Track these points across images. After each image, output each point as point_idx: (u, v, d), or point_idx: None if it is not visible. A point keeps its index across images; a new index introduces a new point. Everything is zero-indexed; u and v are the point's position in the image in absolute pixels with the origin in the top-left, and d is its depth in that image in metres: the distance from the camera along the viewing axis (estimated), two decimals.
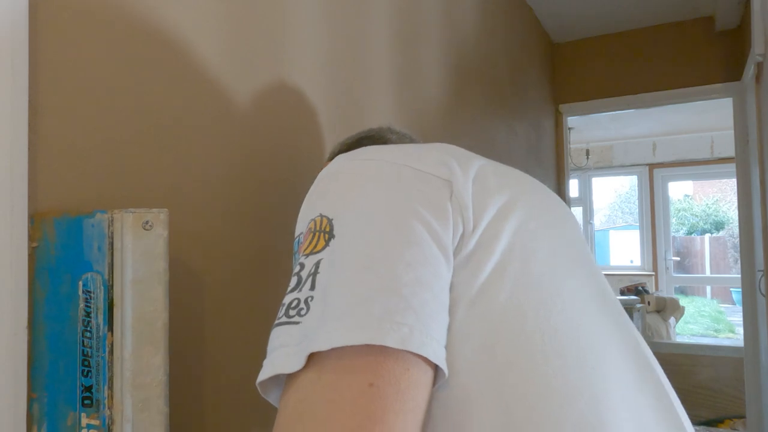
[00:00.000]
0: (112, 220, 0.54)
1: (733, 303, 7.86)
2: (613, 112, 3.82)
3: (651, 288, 5.97)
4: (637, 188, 6.61)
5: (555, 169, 3.43)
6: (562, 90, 3.44)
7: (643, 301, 4.86)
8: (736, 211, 3.05)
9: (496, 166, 0.53)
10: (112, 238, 0.54)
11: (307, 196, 0.49)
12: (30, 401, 0.55)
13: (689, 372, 3.74)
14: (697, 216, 9.60)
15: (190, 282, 0.79)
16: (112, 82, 0.70)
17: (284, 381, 0.39)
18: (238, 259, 0.89)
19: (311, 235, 0.44)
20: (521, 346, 0.41)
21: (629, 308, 4.33)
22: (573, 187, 6.61)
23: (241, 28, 0.93)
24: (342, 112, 1.22)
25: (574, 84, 3.41)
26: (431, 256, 0.41)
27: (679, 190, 9.77)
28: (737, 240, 3.33)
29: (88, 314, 0.54)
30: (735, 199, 3.11)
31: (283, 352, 0.38)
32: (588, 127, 5.52)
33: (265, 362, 0.39)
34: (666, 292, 6.16)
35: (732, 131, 3.08)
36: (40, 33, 0.62)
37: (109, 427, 0.52)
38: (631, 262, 6.91)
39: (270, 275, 0.95)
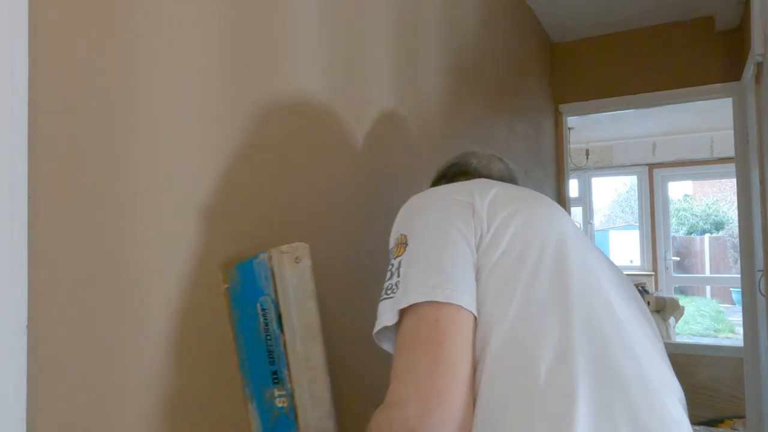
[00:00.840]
0: (271, 257, 0.80)
1: (733, 303, 7.86)
2: (613, 112, 3.82)
3: (651, 288, 5.97)
4: (636, 188, 6.60)
5: (555, 169, 3.43)
6: (561, 90, 3.44)
7: (643, 301, 4.85)
8: (736, 211, 3.05)
9: (509, 190, 0.82)
10: (273, 269, 0.79)
11: (396, 220, 0.82)
12: (243, 386, 0.84)
13: (689, 372, 3.74)
14: (697, 216, 9.60)
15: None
16: (111, 82, 0.70)
17: (391, 332, 0.71)
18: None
19: (397, 246, 0.76)
20: (517, 291, 0.70)
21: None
22: (573, 187, 6.60)
23: (241, 28, 0.93)
24: (342, 112, 1.22)
25: (573, 84, 3.41)
26: (462, 249, 0.73)
27: (679, 190, 9.77)
28: (737, 240, 3.33)
29: (266, 324, 0.80)
30: (735, 199, 3.11)
31: (385, 315, 0.69)
32: (588, 127, 5.52)
33: (376, 323, 0.71)
34: (666, 292, 6.16)
35: (732, 131, 3.08)
36: (40, 32, 0.62)
37: (292, 395, 0.78)
38: (631, 262, 6.91)
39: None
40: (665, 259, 6.33)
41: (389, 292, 0.71)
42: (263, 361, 0.80)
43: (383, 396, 0.65)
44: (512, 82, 2.61)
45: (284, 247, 0.78)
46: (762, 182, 2.37)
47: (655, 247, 6.34)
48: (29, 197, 0.58)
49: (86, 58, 0.67)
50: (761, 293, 2.53)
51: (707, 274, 8.48)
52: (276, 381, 0.79)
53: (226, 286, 0.83)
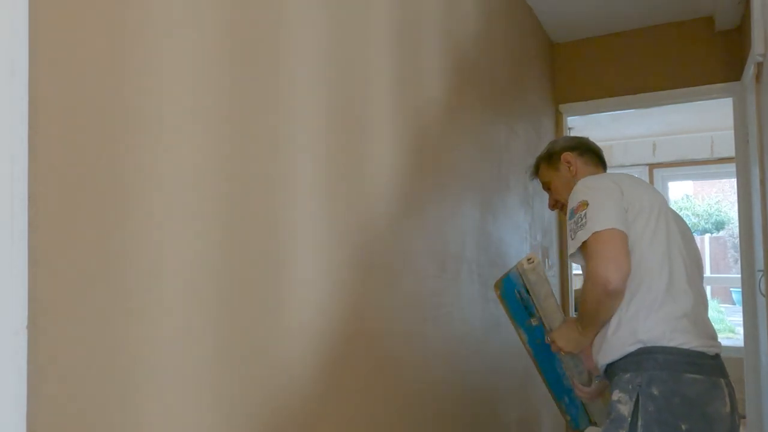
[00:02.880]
0: (517, 265, 1.53)
1: (733, 303, 7.85)
2: (613, 112, 3.82)
3: None
4: None
5: None
6: (562, 90, 3.44)
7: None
8: (736, 211, 3.04)
9: (630, 180, 1.49)
10: (519, 271, 1.53)
11: (575, 193, 1.45)
12: (519, 334, 1.65)
13: None
14: (697, 216, 9.59)
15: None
16: (111, 81, 0.70)
17: (579, 250, 1.38)
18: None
19: (579, 205, 1.39)
20: (646, 233, 1.40)
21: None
22: None
23: (241, 29, 0.93)
24: (341, 112, 1.22)
25: (574, 84, 3.40)
26: (621, 208, 1.38)
27: (679, 190, 9.75)
28: (737, 240, 3.33)
29: (522, 298, 1.57)
30: (735, 199, 3.11)
31: (583, 236, 1.33)
32: (588, 127, 5.52)
33: (571, 243, 1.39)
34: None
35: (732, 131, 3.08)
36: (40, 32, 0.62)
37: (539, 318, 1.57)
38: None
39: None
40: None
41: (580, 226, 1.34)
42: (523, 313, 1.59)
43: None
44: (512, 82, 2.61)
45: (523, 258, 1.52)
46: (762, 182, 2.37)
47: None
48: (29, 197, 0.58)
49: (86, 58, 0.67)
50: (761, 293, 2.53)
51: (707, 274, 8.46)
52: (530, 315, 1.58)
53: (499, 292, 1.62)
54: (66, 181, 0.64)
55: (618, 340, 1.33)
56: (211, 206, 0.86)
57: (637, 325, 1.31)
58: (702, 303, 1.40)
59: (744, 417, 3.05)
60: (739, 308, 3.47)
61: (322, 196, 1.14)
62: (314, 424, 1.08)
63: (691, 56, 3.11)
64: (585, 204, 1.37)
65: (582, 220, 1.34)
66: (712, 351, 1.32)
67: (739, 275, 3.02)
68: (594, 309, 1.34)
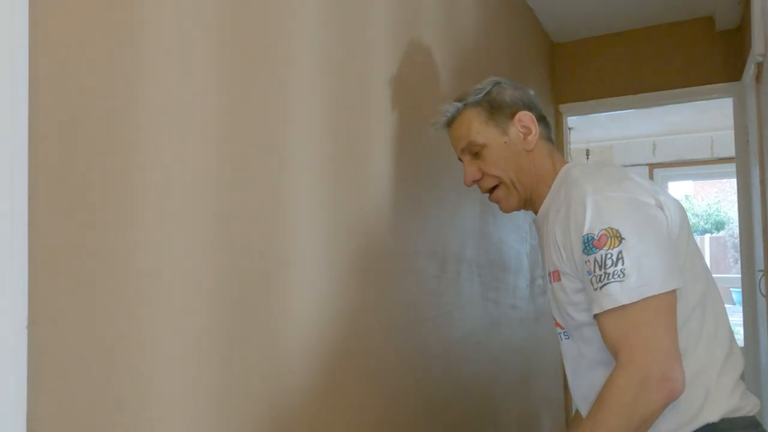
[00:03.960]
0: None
1: (733, 303, 7.85)
2: (613, 112, 3.82)
3: None
4: None
5: None
6: (561, 90, 3.44)
7: None
8: (737, 211, 3.04)
9: (645, 180, 1.04)
10: None
11: (590, 212, 0.95)
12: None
13: None
14: (697, 216, 9.59)
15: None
16: (111, 81, 0.70)
17: (609, 311, 0.90)
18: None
19: (610, 238, 0.91)
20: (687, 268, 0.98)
21: None
22: None
23: (241, 28, 0.93)
24: (341, 112, 1.22)
25: (573, 84, 3.40)
26: (672, 244, 0.97)
27: (679, 190, 9.75)
28: (737, 240, 3.32)
29: None
30: (735, 199, 3.11)
31: (621, 296, 0.88)
32: (588, 127, 5.52)
33: (603, 301, 0.90)
34: None
35: (732, 131, 3.08)
36: (40, 32, 0.62)
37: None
38: None
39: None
40: None
41: (616, 277, 0.89)
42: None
43: None
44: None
45: None
46: (762, 182, 2.37)
47: None
48: (29, 197, 0.58)
49: (86, 57, 0.67)
50: (761, 293, 2.53)
51: None
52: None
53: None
54: (66, 181, 0.64)
55: None
56: (211, 206, 0.86)
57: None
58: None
59: None
60: (739, 308, 3.46)
61: (321, 197, 1.14)
62: (314, 424, 1.08)
63: (691, 56, 3.11)
64: (617, 236, 0.91)
65: (614, 264, 0.89)
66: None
67: (739, 275, 3.02)
68: (638, 426, 0.86)
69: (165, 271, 0.77)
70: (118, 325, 0.70)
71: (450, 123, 1.21)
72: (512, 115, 1.15)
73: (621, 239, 0.90)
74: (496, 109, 1.15)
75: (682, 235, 0.99)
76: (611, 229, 0.91)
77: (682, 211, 1.03)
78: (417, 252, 1.55)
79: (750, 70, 2.50)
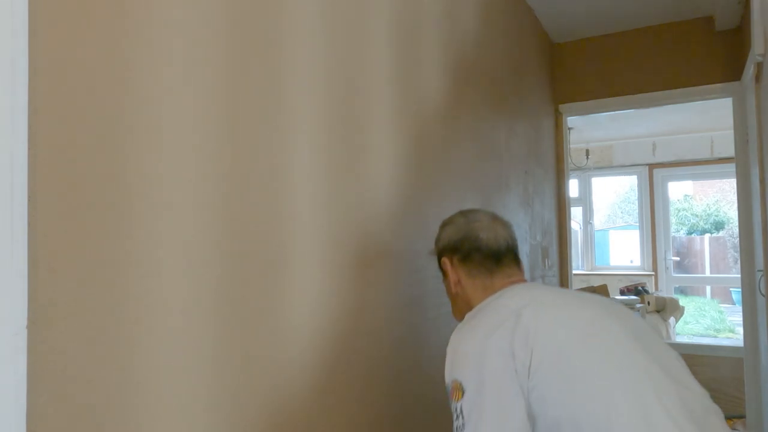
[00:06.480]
0: None
1: (733, 303, 7.85)
2: (613, 112, 3.82)
3: (651, 288, 5.96)
4: (636, 188, 6.60)
5: (555, 169, 3.43)
6: (561, 90, 3.44)
7: (643, 301, 4.85)
8: (736, 211, 3.04)
9: (541, 303, 1.01)
10: None
11: (449, 356, 0.99)
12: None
13: None
14: (697, 216, 9.59)
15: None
16: (111, 82, 0.70)
17: None
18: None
19: (455, 390, 0.92)
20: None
21: (629, 308, 4.32)
22: (573, 187, 6.60)
23: (241, 29, 0.93)
24: (341, 112, 1.22)
25: (573, 84, 3.41)
26: (521, 401, 0.89)
27: (679, 190, 9.76)
28: (737, 240, 3.33)
29: None
30: (735, 199, 3.11)
31: None
32: (588, 127, 5.52)
33: None
34: (666, 292, 6.15)
35: (732, 131, 3.08)
36: (40, 32, 0.62)
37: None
38: (631, 262, 6.90)
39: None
40: (665, 259, 6.32)
41: (458, 430, 0.90)
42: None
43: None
44: (512, 82, 2.61)
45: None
46: (762, 182, 2.37)
47: (655, 247, 6.33)
48: (29, 197, 0.58)
49: (86, 58, 0.67)
50: (761, 293, 2.53)
51: (707, 274, 8.47)
52: None
53: None
54: (66, 181, 0.64)
55: None
56: (211, 206, 0.86)
57: None
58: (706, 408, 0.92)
59: (744, 417, 3.05)
60: (739, 308, 3.47)
61: (321, 197, 1.14)
62: (314, 424, 1.08)
63: (691, 56, 3.11)
64: (459, 390, 0.92)
65: (459, 418, 0.91)
66: None
67: (739, 275, 3.02)
68: None
69: (164, 271, 0.77)
70: (117, 326, 0.70)
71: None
72: (440, 260, 1.23)
73: (463, 392, 0.91)
74: (436, 251, 1.26)
75: (560, 362, 0.89)
76: (456, 381, 0.93)
77: (590, 318, 0.98)
78: (417, 252, 1.55)
79: (749, 70, 2.50)
